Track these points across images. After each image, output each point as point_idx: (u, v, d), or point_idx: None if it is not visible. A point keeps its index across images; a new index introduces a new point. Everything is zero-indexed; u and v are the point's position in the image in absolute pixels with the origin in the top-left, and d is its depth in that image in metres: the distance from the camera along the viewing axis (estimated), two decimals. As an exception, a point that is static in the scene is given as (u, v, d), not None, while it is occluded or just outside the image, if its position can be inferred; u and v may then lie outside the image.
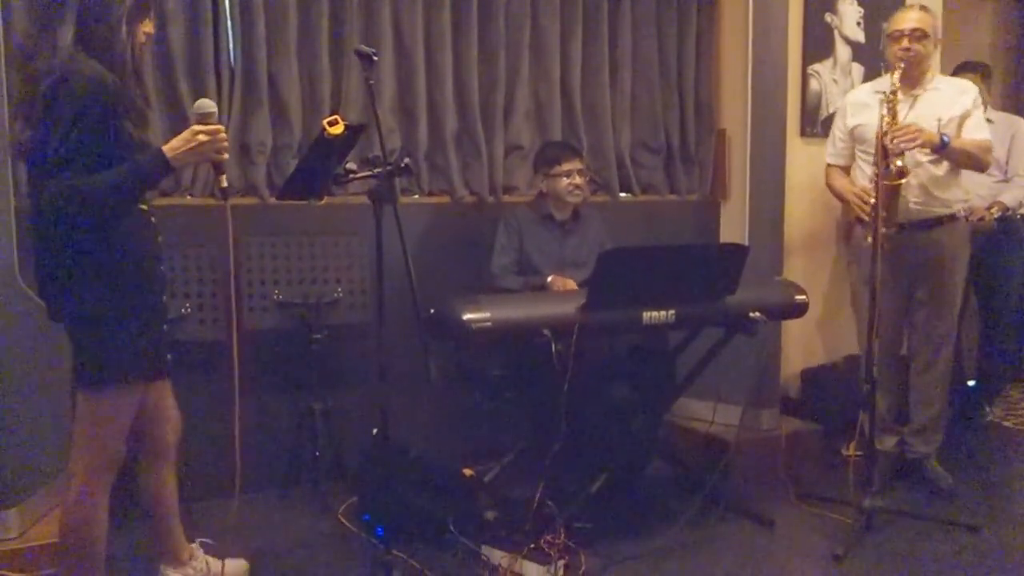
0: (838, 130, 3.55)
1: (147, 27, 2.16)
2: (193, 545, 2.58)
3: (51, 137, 1.93)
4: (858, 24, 4.28)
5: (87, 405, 2.10)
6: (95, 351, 2.06)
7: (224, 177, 2.13)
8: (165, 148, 2.04)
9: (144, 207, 2.17)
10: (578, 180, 3.38)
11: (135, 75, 2.13)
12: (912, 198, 3.24)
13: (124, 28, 2.04)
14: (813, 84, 4.20)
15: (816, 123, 4.19)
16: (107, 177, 1.98)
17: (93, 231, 2.01)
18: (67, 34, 1.99)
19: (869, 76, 4.21)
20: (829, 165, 3.58)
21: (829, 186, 3.59)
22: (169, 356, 2.29)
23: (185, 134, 2.06)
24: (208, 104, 2.10)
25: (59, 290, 2.06)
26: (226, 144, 2.07)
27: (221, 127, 2.08)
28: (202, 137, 2.04)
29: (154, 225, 2.20)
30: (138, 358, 2.11)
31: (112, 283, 2.05)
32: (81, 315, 2.05)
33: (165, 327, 2.23)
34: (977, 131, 3.29)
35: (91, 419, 2.10)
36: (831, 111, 4.13)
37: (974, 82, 4.13)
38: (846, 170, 3.53)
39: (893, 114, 3.06)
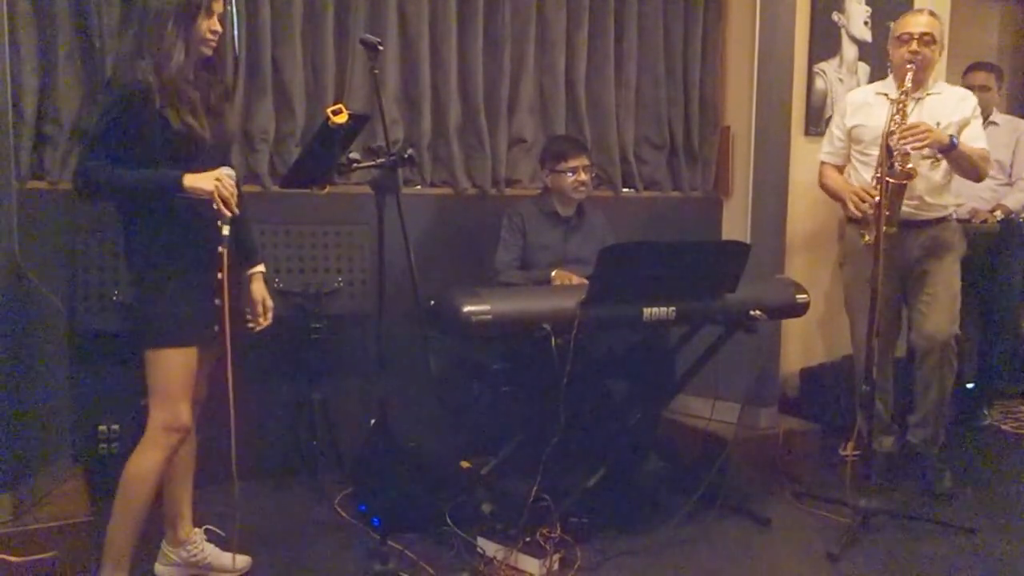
0: (836, 128, 3.54)
1: (210, 24, 2.30)
2: (197, 530, 2.60)
3: (93, 126, 2.29)
4: (865, 23, 4.27)
5: (147, 365, 2.31)
6: (144, 316, 2.32)
7: (226, 227, 2.25)
8: (187, 176, 2.21)
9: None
10: (583, 177, 3.36)
11: (207, 67, 2.36)
12: (907, 202, 3.22)
13: (169, 31, 2.22)
14: (819, 83, 4.19)
15: (821, 122, 4.18)
16: (129, 175, 2.21)
17: (130, 213, 2.30)
18: (129, 39, 2.26)
19: (875, 76, 4.20)
20: (824, 163, 3.57)
21: (823, 184, 3.57)
22: (216, 327, 2.33)
23: (213, 172, 2.24)
24: (232, 170, 2.30)
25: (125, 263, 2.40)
26: (234, 202, 2.24)
27: (235, 189, 2.26)
28: (222, 183, 2.22)
29: (204, 212, 2.27)
30: (177, 324, 2.29)
31: (159, 259, 2.29)
32: (135, 285, 2.35)
33: (217, 301, 2.31)
34: (976, 140, 3.29)
35: (151, 378, 2.31)
36: (836, 110, 4.12)
37: (987, 81, 4.13)
38: (840, 170, 3.52)
39: (903, 115, 3.06)
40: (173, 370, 2.30)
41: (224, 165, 2.33)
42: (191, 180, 2.20)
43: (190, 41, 2.27)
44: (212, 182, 2.21)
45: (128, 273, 2.39)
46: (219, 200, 2.21)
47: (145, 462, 2.33)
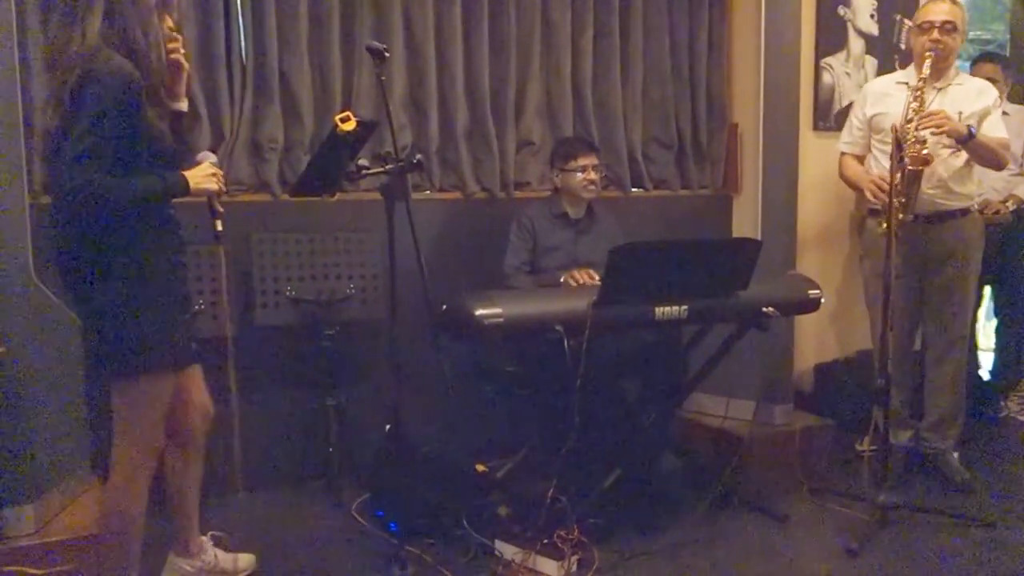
0: (855, 118, 3.52)
1: (168, 21, 2.18)
2: (204, 538, 2.60)
3: (75, 129, 1.95)
4: (872, 17, 4.25)
5: (122, 396, 2.14)
6: (126, 342, 2.08)
7: (219, 222, 2.25)
8: (187, 174, 2.15)
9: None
10: (592, 176, 3.37)
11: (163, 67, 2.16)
12: (930, 190, 3.22)
13: (155, 21, 2.08)
14: (826, 77, 4.17)
15: (829, 117, 4.17)
16: (133, 183, 2.03)
17: (118, 225, 2.05)
18: (95, 27, 2.00)
19: (883, 69, 4.18)
20: (843, 153, 3.56)
21: (843, 174, 3.56)
22: (194, 344, 2.31)
23: (207, 167, 2.21)
24: (214, 156, 2.30)
25: (84, 283, 2.09)
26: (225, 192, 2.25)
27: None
28: (216, 175, 2.21)
29: (176, 219, 2.25)
30: (167, 346, 2.15)
31: (139, 275, 2.08)
32: (110, 307, 2.07)
33: (188, 316, 2.27)
34: (996, 130, 3.28)
35: (127, 409, 2.15)
36: (844, 104, 4.10)
37: (994, 72, 4.11)
38: (860, 159, 3.51)
39: (921, 101, 3.06)
40: (165, 396, 2.18)
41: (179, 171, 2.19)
42: (194, 178, 2.13)
43: (163, 37, 2.12)
44: (213, 179, 2.16)
45: (91, 292, 2.08)
46: (214, 199, 2.19)
47: (141, 496, 2.20)
